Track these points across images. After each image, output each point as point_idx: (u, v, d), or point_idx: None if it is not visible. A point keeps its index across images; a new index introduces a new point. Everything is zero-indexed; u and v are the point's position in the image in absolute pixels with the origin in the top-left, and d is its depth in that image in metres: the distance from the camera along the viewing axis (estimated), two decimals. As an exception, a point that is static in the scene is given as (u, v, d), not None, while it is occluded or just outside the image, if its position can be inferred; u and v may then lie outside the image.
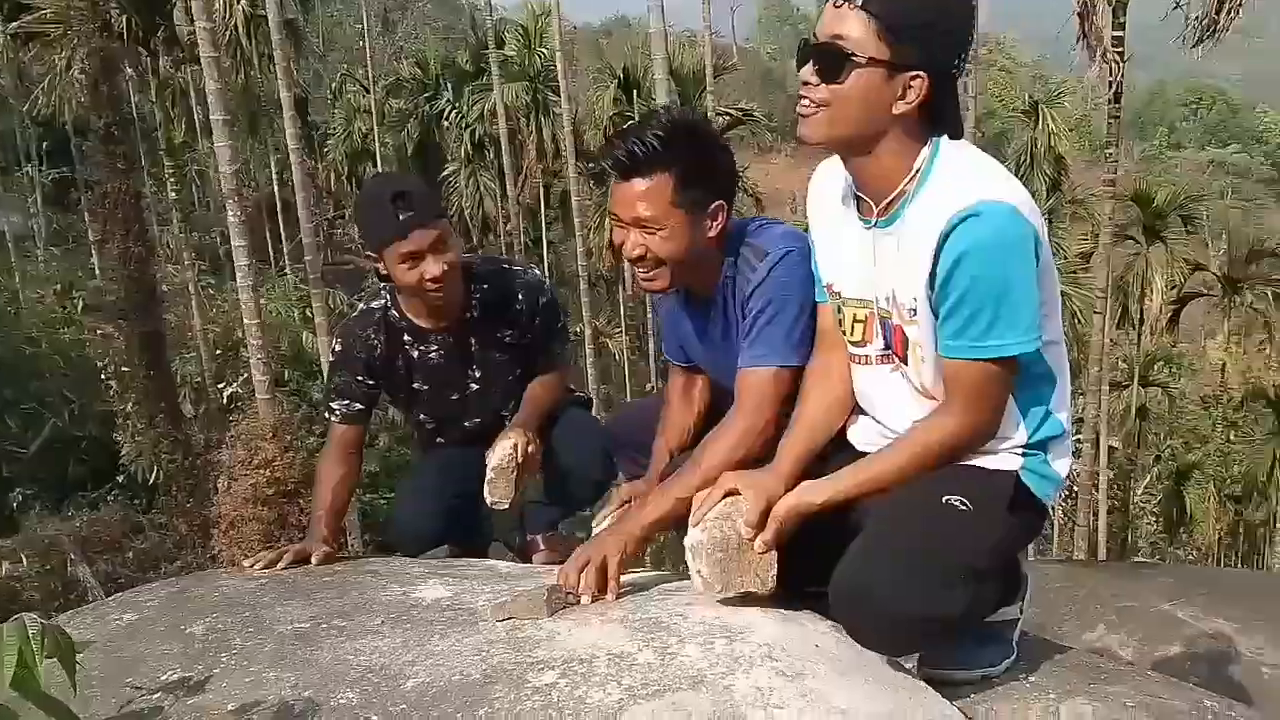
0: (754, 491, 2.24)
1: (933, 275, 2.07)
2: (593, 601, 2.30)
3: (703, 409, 2.93)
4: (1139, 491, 30.40)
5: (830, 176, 2.35)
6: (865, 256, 2.24)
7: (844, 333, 2.36)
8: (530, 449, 3.12)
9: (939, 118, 2.11)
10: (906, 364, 2.24)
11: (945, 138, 2.15)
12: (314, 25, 39.66)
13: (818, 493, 2.23)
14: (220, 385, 15.70)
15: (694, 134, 2.55)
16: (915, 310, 2.15)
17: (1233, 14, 12.25)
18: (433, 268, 3.04)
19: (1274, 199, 62.40)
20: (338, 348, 3.34)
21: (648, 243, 2.52)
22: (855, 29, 2.04)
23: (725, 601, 2.24)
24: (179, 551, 12.34)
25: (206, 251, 27.82)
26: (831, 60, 2.06)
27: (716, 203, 2.57)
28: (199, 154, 30.21)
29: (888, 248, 2.17)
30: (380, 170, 32.48)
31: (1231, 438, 30.28)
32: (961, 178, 2.07)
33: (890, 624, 2.08)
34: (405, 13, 50.33)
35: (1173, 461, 30.50)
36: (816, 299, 2.45)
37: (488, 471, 3.07)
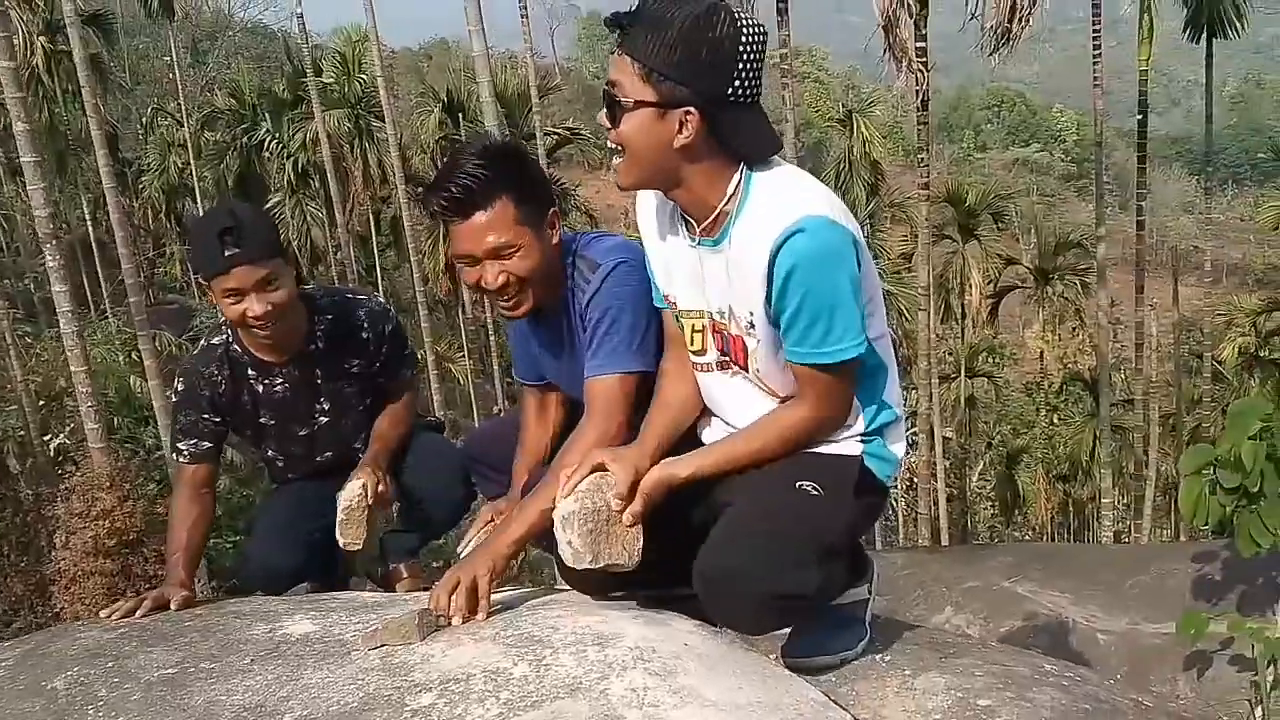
0: (621, 465, 2.32)
1: (768, 292, 2.19)
2: (464, 622, 2.33)
3: (558, 427, 2.98)
4: (974, 478, 31.76)
5: (656, 195, 2.46)
6: (695, 272, 2.35)
7: (687, 342, 2.46)
8: (380, 488, 3.13)
9: (735, 143, 2.21)
10: (746, 370, 2.37)
11: (759, 163, 2.26)
12: (119, 59, 38.14)
13: (682, 466, 2.34)
14: (46, 437, 14.96)
15: (509, 154, 2.61)
16: (753, 324, 2.27)
17: (1024, 22, 13.00)
18: (255, 306, 2.99)
19: (1075, 193, 66.04)
20: (180, 387, 3.27)
21: (507, 268, 2.57)
22: (624, 74, 2.16)
23: (588, 579, 2.33)
24: (17, 612, 11.68)
25: (20, 298, 26.44)
26: (611, 107, 2.18)
27: (550, 210, 2.65)
28: (4, 196, 28.73)
29: (717, 265, 2.29)
30: (201, 204, 31.50)
31: (1055, 420, 31.88)
32: (779, 196, 2.19)
33: (752, 603, 2.19)
34: (215, 42, 48.92)
35: (1003, 447, 31.93)
36: (658, 305, 2.54)
37: (338, 514, 3.07)
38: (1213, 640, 4.67)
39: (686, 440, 2.49)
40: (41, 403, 16.64)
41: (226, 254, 2.93)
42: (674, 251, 2.40)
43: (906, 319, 20.72)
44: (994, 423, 33.10)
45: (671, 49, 2.10)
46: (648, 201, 2.47)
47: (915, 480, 18.75)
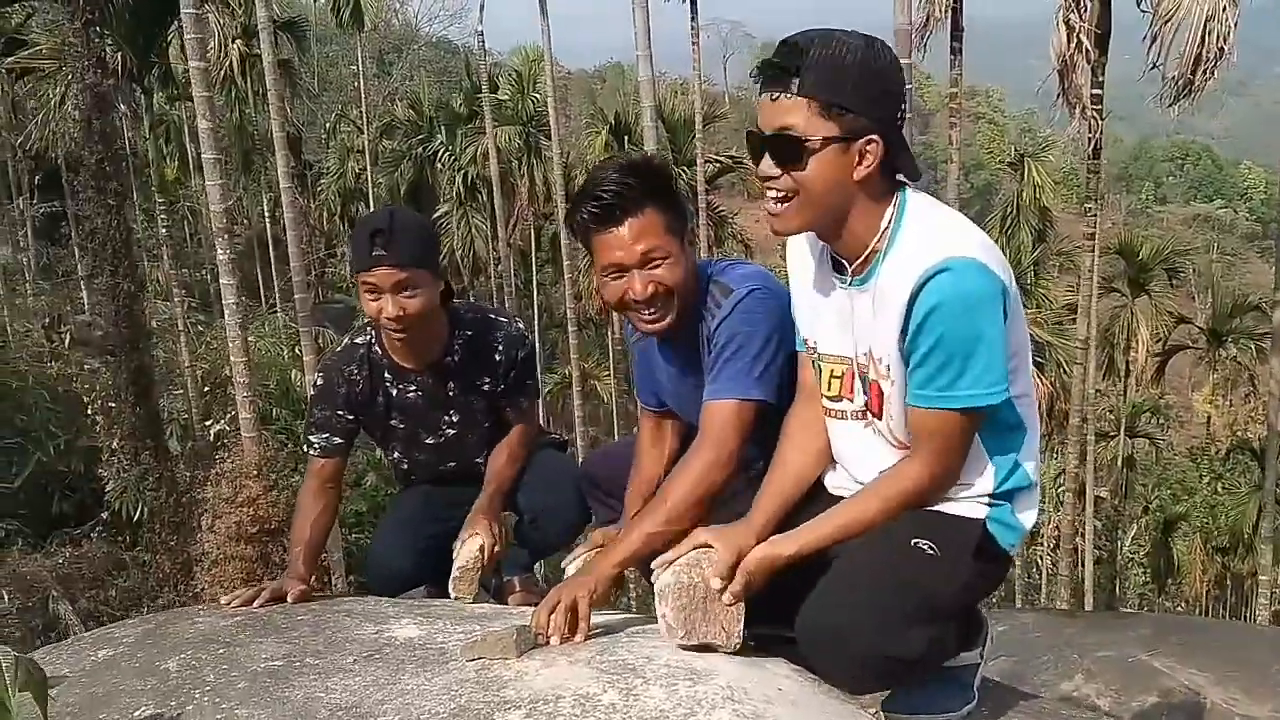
0: (724, 544, 2.28)
1: (904, 329, 2.13)
2: (562, 643, 2.33)
3: (673, 455, 2.95)
4: (1127, 542, 30.46)
5: (807, 236, 2.42)
6: (844, 314, 2.30)
7: (822, 389, 2.41)
8: (497, 548, 3.19)
9: (902, 163, 2.20)
10: (880, 419, 2.30)
11: (909, 191, 2.23)
12: (308, 65, 39.87)
13: (787, 545, 2.28)
14: (207, 422, 15.66)
15: (652, 166, 2.63)
16: (889, 366, 2.22)
17: (1208, 74, 12.46)
18: (389, 307, 3.06)
19: (1257, 253, 62.99)
20: (319, 381, 3.38)
21: (655, 276, 2.57)
22: (799, 116, 2.11)
23: (687, 649, 2.28)
24: (161, 589, 12.27)
25: (196, 288, 27.91)
26: (788, 151, 2.13)
27: (689, 226, 2.67)
28: (191, 190, 30.35)
29: (864, 305, 2.24)
30: (372, 209, 32.67)
31: (1218, 489, 30.36)
32: (930, 234, 2.14)
33: (854, 662, 2.14)
34: (400, 55, 50.71)
35: (1160, 513, 30.58)
36: (796, 348, 2.50)
37: (453, 569, 3.14)
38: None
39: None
40: (206, 389, 17.47)
41: (373, 252, 3.02)
42: (823, 292, 2.36)
43: (1065, 372, 20.01)
44: (1153, 487, 31.72)
45: (851, 82, 2.09)
46: (798, 240, 2.44)
47: (1060, 540, 18.08)
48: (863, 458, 2.37)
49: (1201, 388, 35.46)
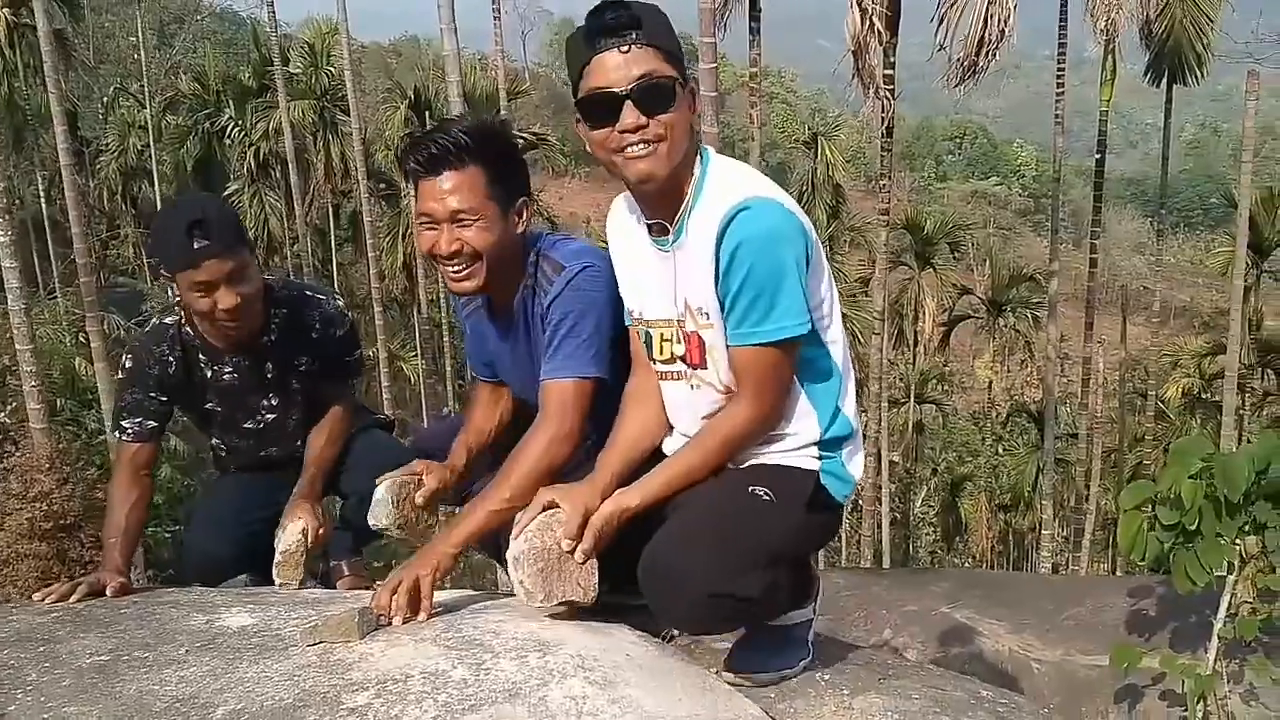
0: (571, 503, 2.32)
1: (716, 272, 2.21)
2: (405, 622, 2.32)
3: (506, 415, 2.97)
4: (918, 503, 32.00)
5: (624, 209, 2.49)
6: (661, 276, 2.36)
7: (654, 355, 2.46)
8: (320, 531, 3.15)
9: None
10: (705, 368, 2.36)
11: (710, 149, 2.35)
12: (84, 36, 37.61)
13: (630, 497, 2.33)
14: (-13, 414, 14.66)
15: (495, 133, 2.62)
16: (708, 313, 2.29)
17: (991, 56, 13.17)
18: (226, 299, 2.97)
19: (1030, 228, 67.00)
20: (128, 364, 3.24)
21: (463, 236, 2.55)
22: (655, 63, 2.18)
23: (547, 612, 2.31)
24: (-57, 594, 11.43)
25: (-36, 274, 25.93)
26: (659, 94, 2.19)
27: (521, 198, 2.64)
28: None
29: (680, 261, 2.31)
30: (159, 188, 31.13)
31: (999, 451, 32.21)
32: (731, 181, 2.26)
33: (695, 601, 2.20)
34: (183, 26, 48.39)
35: (948, 474, 32.22)
36: (626, 324, 2.55)
37: (276, 554, 3.08)
38: (1145, 675, 4.75)
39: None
40: (-17, 380, 16.33)
41: (195, 246, 2.90)
42: (643, 261, 2.41)
43: (860, 343, 20.85)
44: (940, 450, 33.41)
45: (670, 35, 2.22)
46: (618, 215, 2.51)
47: (860, 502, 18.88)
48: (693, 411, 2.43)
49: (983, 355, 37.50)
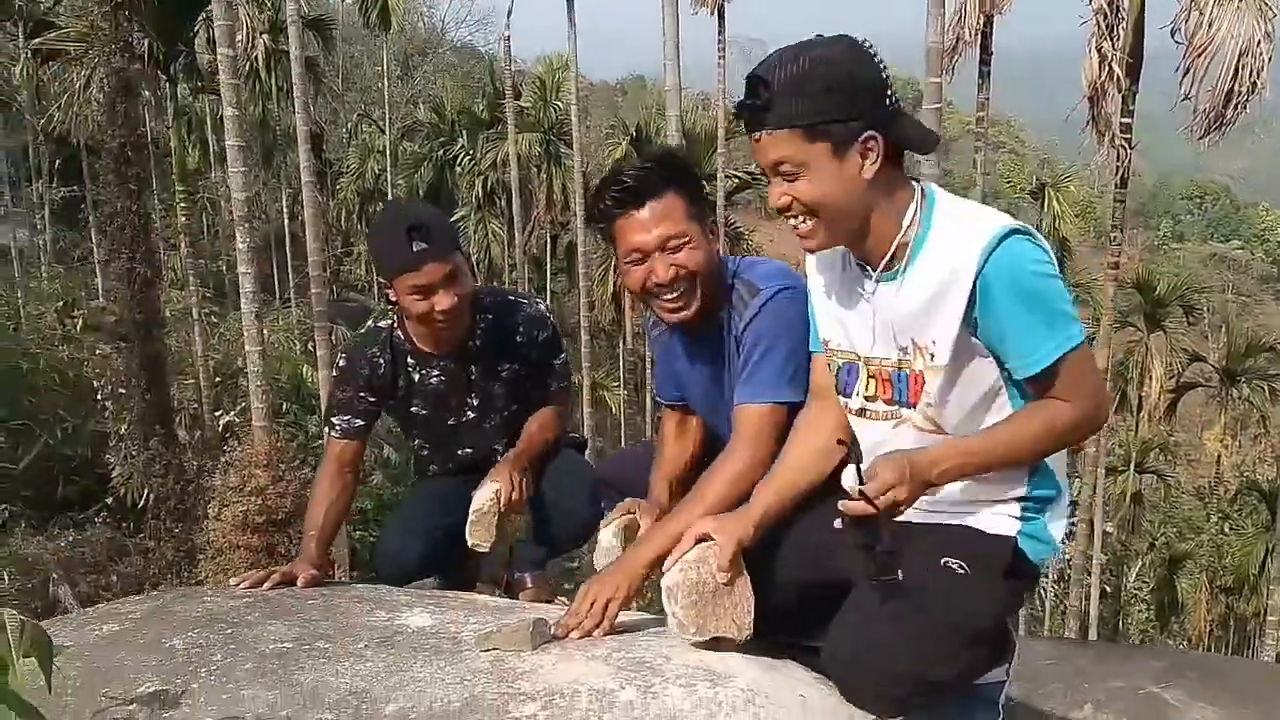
0: (725, 535, 2.25)
1: (968, 310, 2.08)
2: (582, 637, 2.29)
3: (697, 447, 2.94)
4: (1132, 577, 30.29)
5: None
6: (873, 314, 2.24)
7: (855, 391, 2.34)
8: (514, 495, 3.13)
9: (913, 143, 2.16)
10: (914, 408, 2.22)
11: (934, 185, 2.21)
12: (333, 64, 40.01)
13: (936, 460, 2.12)
14: (217, 413, 15.63)
15: (678, 160, 2.64)
16: (939, 352, 2.15)
17: (1240, 108, 12.39)
18: (443, 300, 3.04)
19: (1272, 296, 62.87)
20: (342, 363, 3.37)
21: (678, 260, 2.55)
22: (788, 148, 2.09)
23: (701, 645, 2.23)
24: (164, 576, 12.18)
25: (211, 279, 27.86)
26: (792, 179, 2.11)
27: (712, 218, 2.65)
28: (210, 182, 30.38)
29: (898, 297, 2.18)
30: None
31: (1225, 529, 30.21)
32: (968, 216, 2.13)
33: (885, 685, 2.09)
34: (425, 58, 50.84)
35: (1166, 549, 30.39)
36: (811, 349, 2.46)
37: (470, 514, 3.09)
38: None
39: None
40: (218, 379, 17.44)
41: (415, 249, 2.98)
42: (848, 296, 2.30)
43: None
44: (1159, 524, 31.54)
45: (823, 93, 2.05)
46: (818, 255, 2.40)
47: (1069, 572, 17.95)
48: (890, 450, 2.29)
49: (1212, 427, 35.25)
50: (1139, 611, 30.66)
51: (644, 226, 2.54)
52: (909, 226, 2.15)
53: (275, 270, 33.10)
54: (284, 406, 17.29)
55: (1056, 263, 2.16)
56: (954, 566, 2.14)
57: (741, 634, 2.24)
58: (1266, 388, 29.75)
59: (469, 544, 3.08)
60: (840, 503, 2.03)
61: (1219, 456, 34.12)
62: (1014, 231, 2.06)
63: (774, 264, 2.71)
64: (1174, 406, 31.21)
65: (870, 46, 2.12)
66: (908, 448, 2.23)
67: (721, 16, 22.15)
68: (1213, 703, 5.66)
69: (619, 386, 31.58)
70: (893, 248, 2.16)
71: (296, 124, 15.18)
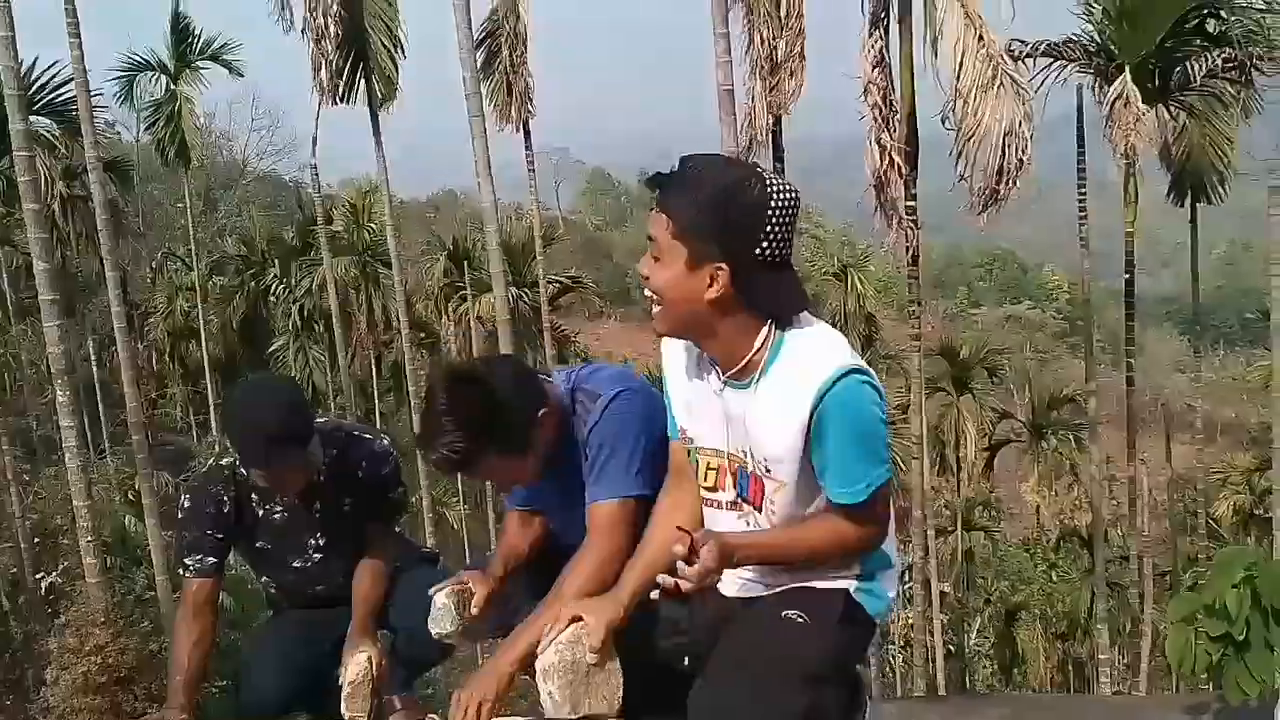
0: (596, 617, 2.41)
1: (806, 437, 2.28)
2: None
3: (538, 533, 3.08)
4: (973, 635, 31.18)
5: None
6: (719, 411, 2.43)
7: (700, 479, 2.54)
8: (382, 662, 3.28)
9: (761, 300, 2.30)
10: (760, 511, 2.44)
11: (793, 319, 2.36)
12: (133, 204, 39.00)
13: (739, 547, 2.32)
14: (39, 575, 14.81)
15: (478, 412, 2.66)
16: (777, 466, 2.36)
17: (1010, 184, 13.44)
18: (292, 486, 3.27)
19: (1067, 350, 66.55)
20: (186, 504, 3.38)
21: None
22: (659, 230, 2.29)
23: None
24: (1, 755, 11.40)
25: (19, 437, 26.45)
26: (655, 259, 2.31)
27: (541, 413, 2.75)
28: (10, 337, 29.02)
29: (743, 407, 2.37)
30: (205, 347, 31.73)
31: (1053, 577, 31.47)
32: (814, 353, 2.30)
33: None
34: (228, 190, 50.00)
35: (1001, 604, 31.40)
36: (670, 435, 2.62)
37: (344, 687, 3.19)
38: (1205, 795, 4.64)
39: None
40: (36, 540, 16.52)
41: (271, 463, 3.16)
42: (698, 391, 2.47)
43: (902, 469, 20.79)
44: (992, 578, 32.68)
45: (703, 209, 2.21)
46: (675, 342, 2.55)
47: (912, 636, 18.53)
48: None
49: (1028, 479, 36.97)
50: (984, 667, 31.60)
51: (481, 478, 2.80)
52: (761, 348, 2.33)
53: (86, 420, 31.63)
54: (109, 561, 16.49)
55: (863, 340, 2.40)
56: (793, 616, 2.37)
57: (612, 709, 2.41)
58: (1072, 438, 31.43)
59: (346, 718, 3.16)
60: (661, 578, 2.23)
61: (1038, 507, 35.73)
62: (851, 371, 2.26)
63: (609, 368, 2.91)
64: (991, 463, 32.71)
65: (784, 194, 2.25)
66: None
67: (527, 132, 22.71)
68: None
69: (459, 502, 31.20)
70: (744, 363, 2.35)
71: (104, 268, 14.81)
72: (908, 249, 14.52)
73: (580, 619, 2.44)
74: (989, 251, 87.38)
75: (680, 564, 2.17)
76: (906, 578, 21.14)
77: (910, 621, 17.47)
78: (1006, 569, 33.28)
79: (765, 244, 2.23)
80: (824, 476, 2.32)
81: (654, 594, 2.30)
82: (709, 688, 2.30)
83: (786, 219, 2.25)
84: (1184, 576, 25.06)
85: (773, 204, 2.23)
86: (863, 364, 2.29)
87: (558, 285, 30.70)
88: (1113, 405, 35.83)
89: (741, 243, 2.23)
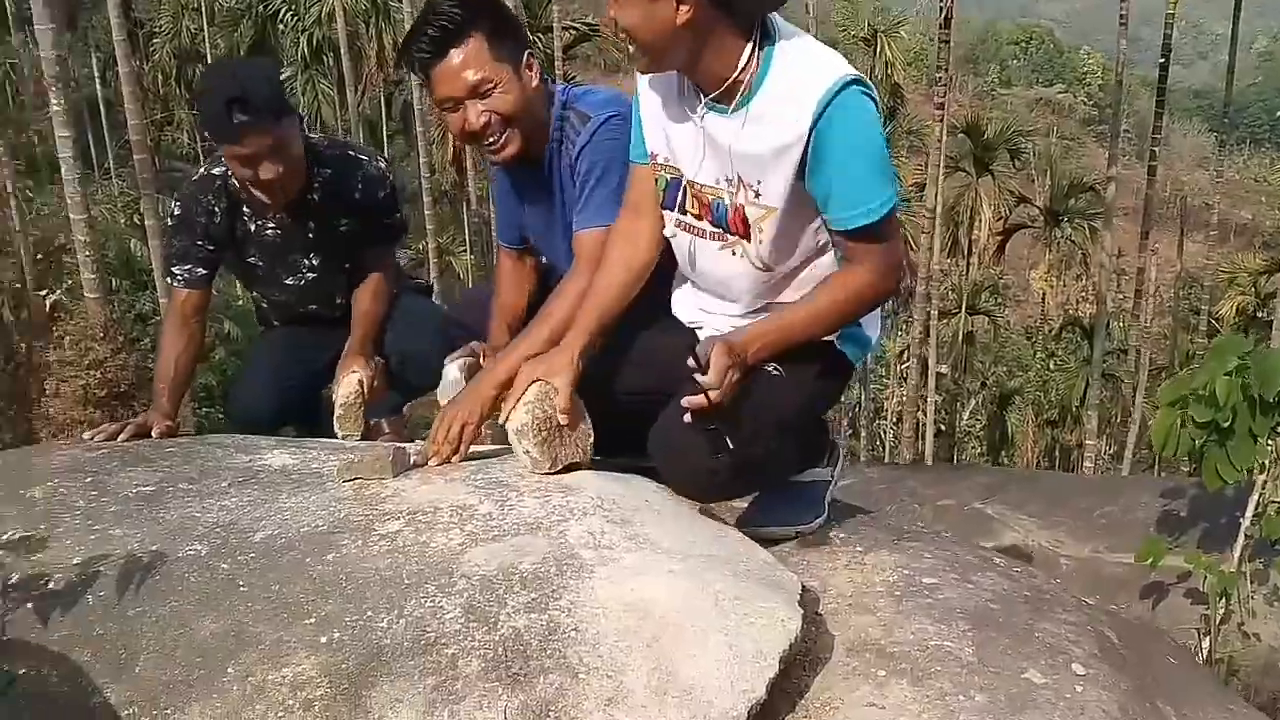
0: (559, 379, 2.34)
1: (803, 156, 2.16)
2: (441, 463, 2.40)
3: (533, 292, 3.03)
4: (965, 415, 31.87)
5: None
6: (697, 138, 2.31)
7: (681, 208, 2.43)
8: (375, 383, 3.21)
9: (736, 5, 2.16)
10: (747, 240, 2.33)
11: (779, 23, 2.23)
12: (138, -86, 37.27)
13: (751, 344, 2.28)
14: (42, 293, 14.92)
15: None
16: (767, 192, 2.24)
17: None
18: (266, 171, 3.03)
19: (1094, 138, 65.29)
20: (176, 211, 3.29)
21: (489, 105, 2.57)
22: None
23: (554, 474, 2.37)
24: (3, 459, 11.73)
25: (22, 153, 26.22)
26: (618, 5, 2.17)
27: (526, 51, 2.65)
28: (8, 47, 28.33)
29: (727, 133, 2.24)
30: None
31: (1050, 366, 31.89)
32: (809, 65, 2.17)
33: (699, 474, 2.29)
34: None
35: (997, 388, 31.96)
36: (636, 160, 2.50)
37: (335, 408, 3.15)
38: (1172, 573, 4.78)
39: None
40: (39, 257, 16.58)
41: (236, 122, 2.93)
42: (680, 115, 2.35)
43: (912, 246, 20.63)
44: (990, 363, 33.14)
45: None
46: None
47: (904, 413, 18.89)
48: (722, 278, 2.43)
49: (1038, 267, 36.91)
50: (972, 447, 32.43)
51: (452, 75, 2.54)
52: (745, 66, 2.19)
53: (91, 141, 31.30)
54: (114, 283, 16.62)
55: (888, 112, 2.26)
56: (770, 370, 2.31)
57: (587, 457, 2.41)
58: (1087, 227, 31.17)
59: (339, 436, 3.14)
60: (685, 400, 2.18)
61: (1044, 295, 35.88)
62: (852, 82, 2.13)
63: (605, 91, 2.76)
64: (1002, 248, 32.59)
65: None
66: (743, 283, 2.40)
67: None
68: (1031, 514, 6.20)
69: (465, 251, 31.25)
70: (726, 84, 2.21)
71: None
72: (941, 8, 13.88)
73: (539, 380, 2.37)
74: (1026, 27, 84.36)
75: (697, 376, 2.14)
76: (905, 357, 21.38)
77: (902, 401, 17.73)
78: (1005, 355, 33.70)
79: None
80: (828, 202, 2.21)
81: (686, 416, 2.22)
82: (668, 431, 2.29)
83: None
84: (1180, 373, 25.39)
85: None
86: (856, 75, 2.16)
87: (573, 33, 29.67)
88: (1131, 197, 35.47)
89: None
